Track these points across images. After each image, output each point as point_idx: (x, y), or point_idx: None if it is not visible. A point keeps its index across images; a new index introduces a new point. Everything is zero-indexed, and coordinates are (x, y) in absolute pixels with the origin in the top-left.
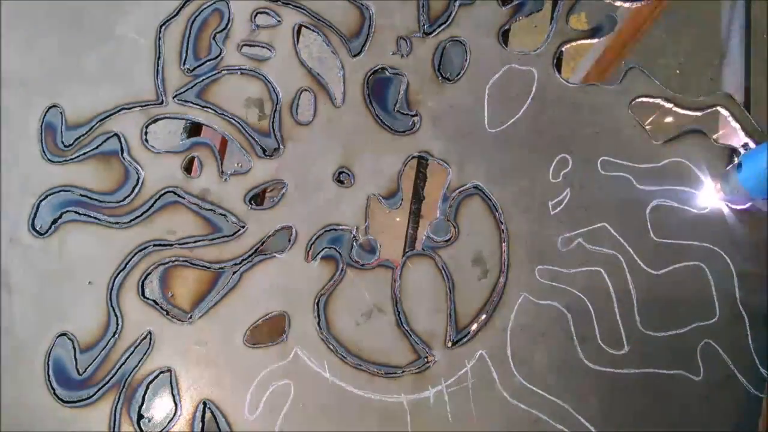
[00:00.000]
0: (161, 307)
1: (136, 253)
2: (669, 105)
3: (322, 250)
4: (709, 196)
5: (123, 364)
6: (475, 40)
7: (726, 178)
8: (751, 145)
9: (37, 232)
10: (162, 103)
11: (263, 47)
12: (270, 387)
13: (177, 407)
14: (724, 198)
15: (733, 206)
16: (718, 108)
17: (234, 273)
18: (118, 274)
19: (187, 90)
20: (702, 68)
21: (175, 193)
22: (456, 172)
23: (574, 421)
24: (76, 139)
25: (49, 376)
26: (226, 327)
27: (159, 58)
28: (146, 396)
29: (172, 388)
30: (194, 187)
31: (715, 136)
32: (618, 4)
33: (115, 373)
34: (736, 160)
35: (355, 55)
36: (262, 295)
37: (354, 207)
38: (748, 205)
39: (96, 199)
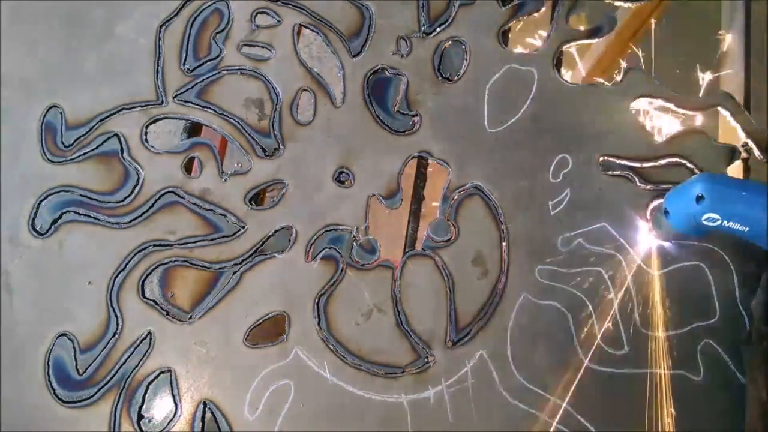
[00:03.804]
0: (161, 307)
1: (136, 254)
2: (669, 105)
3: (322, 250)
4: (644, 238)
5: (123, 364)
6: (475, 40)
7: (657, 222)
8: (750, 144)
9: (37, 232)
10: (162, 103)
11: (263, 47)
12: (270, 387)
13: (177, 407)
14: (659, 238)
15: (668, 242)
16: (718, 108)
17: (234, 273)
18: (118, 274)
19: (187, 90)
20: (702, 68)
21: (175, 193)
22: (456, 172)
23: (574, 421)
24: (76, 139)
25: (49, 376)
26: (226, 327)
27: (159, 58)
28: (146, 396)
29: (172, 389)
30: (194, 187)
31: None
32: (618, 4)
33: (115, 374)
34: (654, 203)
35: (355, 55)
36: (262, 295)
37: (354, 207)
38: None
39: (96, 200)
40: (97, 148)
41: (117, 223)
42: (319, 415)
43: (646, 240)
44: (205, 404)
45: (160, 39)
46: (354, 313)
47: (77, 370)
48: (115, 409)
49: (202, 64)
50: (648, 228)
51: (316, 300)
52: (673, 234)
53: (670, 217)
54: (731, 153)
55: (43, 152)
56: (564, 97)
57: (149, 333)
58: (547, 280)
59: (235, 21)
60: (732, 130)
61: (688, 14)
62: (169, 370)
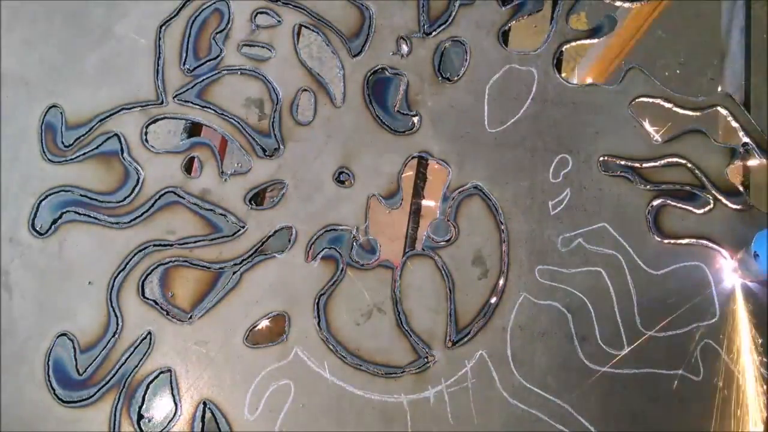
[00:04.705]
0: (161, 307)
1: (136, 253)
2: (669, 105)
3: (322, 250)
4: (731, 277)
5: (123, 364)
6: (475, 40)
7: (745, 264)
8: (750, 144)
9: (37, 232)
10: (162, 103)
11: (263, 47)
12: (270, 387)
13: (177, 407)
14: (745, 278)
15: (756, 284)
16: (718, 108)
17: (234, 273)
18: (118, 274)
19: (187, 90)
20: (702, 68)
21: (175, 193)
22: (456, 172)
23: (574, 421)
24: (76, 139)
25: (49, 376)
26: (226, 327)
27: (159, 58)
28: (146, 396)
29: (172, 388)
30: (194, 187)
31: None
32: (618, 4)
33: (115, 373)
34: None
35: (355, 55)
36: (262, 295)
37: (354, 207)
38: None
39: (96, 199)
40: (97, 148)
41: (117, 223)
42: (319, 415)
43: (733, 279)
44: (205, 404)
45: (160, 39)
46: (354, 313)
47: (77, 370)
48: (115, 409)
49: (202, 64)
50: (734, 269)
51: (316, 300)
52: (762, 276)
53: (759, 261)
54: (731, 153)
55: (43, 152)
56: (564, 97)
57: (149, 333)
58: (547, 280)
59: (235, 21)
60: (732, 130)
61: (688, 14)
62: (169, 370)
